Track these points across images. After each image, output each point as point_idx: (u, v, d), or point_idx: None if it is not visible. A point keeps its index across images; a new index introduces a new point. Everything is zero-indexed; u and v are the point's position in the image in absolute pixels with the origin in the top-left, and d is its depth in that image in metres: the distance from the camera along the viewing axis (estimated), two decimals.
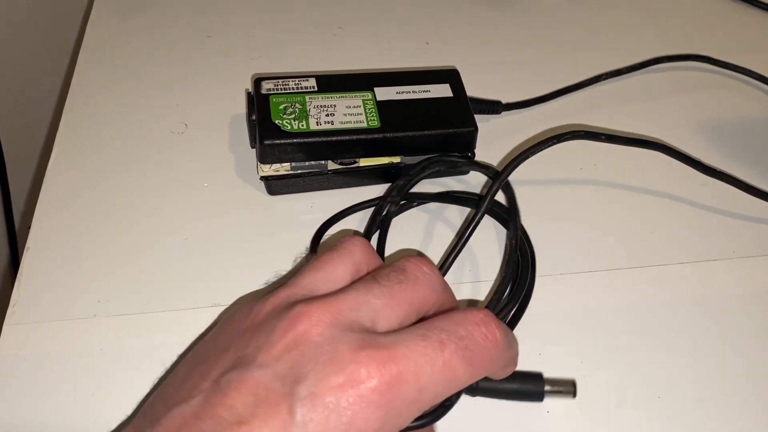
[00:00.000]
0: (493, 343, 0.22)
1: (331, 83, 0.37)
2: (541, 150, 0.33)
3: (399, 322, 0.22)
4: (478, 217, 0.31)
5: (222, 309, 0.31)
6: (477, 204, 0.34)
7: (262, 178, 0.36)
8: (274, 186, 0.36)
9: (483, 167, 0.37)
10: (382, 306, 0.21)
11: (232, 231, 0.35)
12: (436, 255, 0.34)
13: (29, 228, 0.35)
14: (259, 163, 0.35)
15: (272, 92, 0.36)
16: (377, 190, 0.37)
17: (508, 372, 0.25)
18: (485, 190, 0.36)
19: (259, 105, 0.35)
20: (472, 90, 0.39)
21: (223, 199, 0.37)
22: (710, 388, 0.30)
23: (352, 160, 0.36)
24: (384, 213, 0.34)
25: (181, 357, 0.29)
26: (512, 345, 0.24)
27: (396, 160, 0.37)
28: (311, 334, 0.20)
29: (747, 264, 0.35)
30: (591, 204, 0.38)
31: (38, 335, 0.30)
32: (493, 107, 0.41)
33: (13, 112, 0.71)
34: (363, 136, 0.35)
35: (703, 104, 0.44)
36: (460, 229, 0.35)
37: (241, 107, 0.41)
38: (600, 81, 0.44)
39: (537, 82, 0.44)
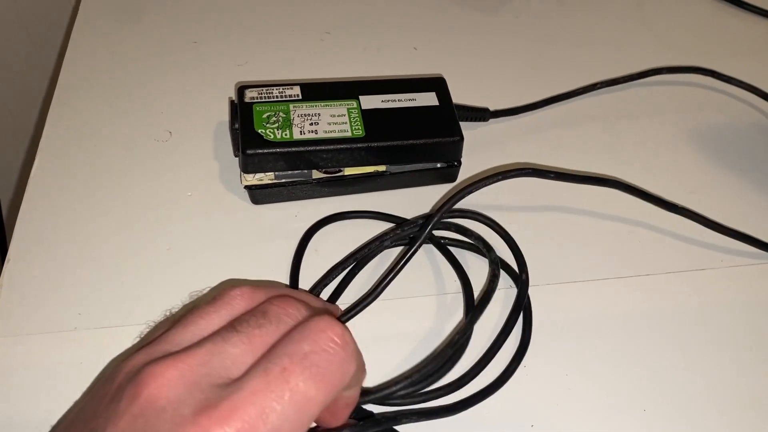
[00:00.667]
0: (342, 346, 0.21)
1: (316, 91, 0.36)
2: (483, 187, 0.32)
3: None
4: (399, 265, 0.31)
5: None
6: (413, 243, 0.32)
7: (246, 187, 0.36)
8: (258, 195, 0.36)
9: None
10: (241, 354, 0.20)
11: (216, 241, 0.35)
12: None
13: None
14: (242, 173, 0.35)
15: (255, 101, 0.35)
16: (363, 198, 0.37)
17: (359, 381, 0.23)
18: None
19: (242, 114, 0.35)
20: (461, 96, 0.39)
21: (207, 208, 0.36)
22: (697, 400, 0.30)
23: (336, 169, 0.36)
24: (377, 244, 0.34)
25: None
26: (357, 349, 0.22)
27: (381, 168, 0.36)
28: (156, 398, 0.19)
29: (735, 273, 0.35)
30: (577, 213, 0.37)
31: (18, 348, 0.30)
32: (481, 115, 0.41)
33: None
34: (347, 146, 0.34)
35: (703, 119, 0.44)
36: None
37: (226, 114, 0.41)
38: (595, 90, 0.44)
39: (527, 89, 0.44)
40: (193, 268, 0.33)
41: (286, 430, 0.19)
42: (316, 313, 0.22)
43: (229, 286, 0.23)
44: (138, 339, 0.30)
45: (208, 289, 0.33)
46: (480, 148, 0.40)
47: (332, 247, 0.35)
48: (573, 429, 0.29)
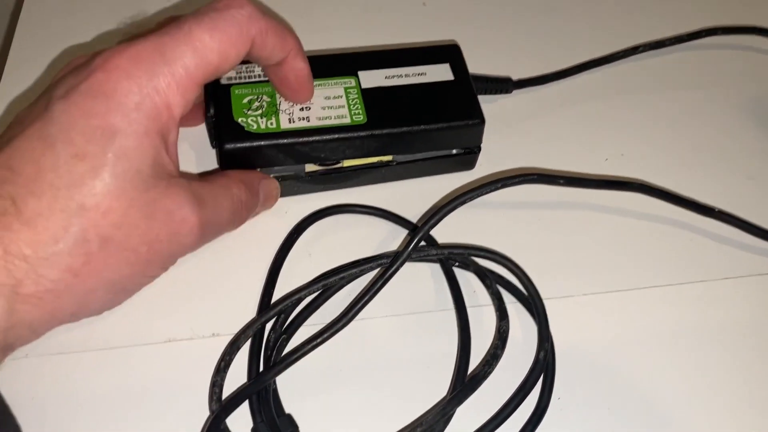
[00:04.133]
0: (247, 14, 0.24)
1: None
2: (477, 197, 0.27)
3: None
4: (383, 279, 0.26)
5: (199, 338, 0.27)
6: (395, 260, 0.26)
7: None
8: None
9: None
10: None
11: None
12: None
13: None
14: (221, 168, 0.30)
15: (234, 81, 0.29)
16: (365, 191, 0.32)
17: (292, 46, 0.26)
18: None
19: (217, 99, 0.29)
20: (478, 62, 0.33)
21: None
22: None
23: (334, 161, 0.30)
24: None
25: None
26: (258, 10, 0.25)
27: (387, 158, 0.31)
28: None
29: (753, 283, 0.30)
30: (586, 222, 0.32)
31: (21, 371, 0.26)
32: (503, 86, 0.35)
33: None
34: (346, 135, 0.29)
35: (766, 90, 0.37)
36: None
37: None
38: (636, 54, 0.38)
39: (556, 52, 0.38)
40: (166, 275, 0.28)
41: (183, 66, 0.23)
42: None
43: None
44: None
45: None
46: (502, 125, 0.34)
47: (324, 246, 0.30)
48: None
